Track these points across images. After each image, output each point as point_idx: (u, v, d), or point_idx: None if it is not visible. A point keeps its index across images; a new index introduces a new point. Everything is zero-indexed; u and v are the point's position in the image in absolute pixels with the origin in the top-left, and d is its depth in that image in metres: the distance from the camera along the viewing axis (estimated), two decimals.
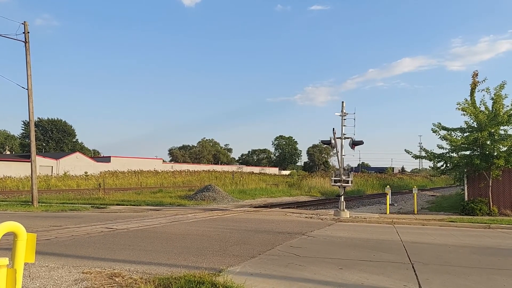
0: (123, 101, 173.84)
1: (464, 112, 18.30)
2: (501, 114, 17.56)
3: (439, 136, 18.84)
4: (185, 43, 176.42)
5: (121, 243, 9.27)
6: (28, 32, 21.08)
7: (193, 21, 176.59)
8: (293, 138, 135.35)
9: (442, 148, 19.04)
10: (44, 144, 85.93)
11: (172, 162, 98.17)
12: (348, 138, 17.45)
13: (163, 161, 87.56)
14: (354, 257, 8.06)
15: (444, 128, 19.00)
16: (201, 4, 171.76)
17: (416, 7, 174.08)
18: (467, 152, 18.89)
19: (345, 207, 17.43)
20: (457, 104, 18.35)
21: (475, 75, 18.81)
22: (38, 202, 21.17)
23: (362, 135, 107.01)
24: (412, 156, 20.91)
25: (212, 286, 5.33)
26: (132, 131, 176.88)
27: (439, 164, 20.01)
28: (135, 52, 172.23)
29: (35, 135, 23.17)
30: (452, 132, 18.86)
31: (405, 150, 20.89)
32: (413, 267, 7.18)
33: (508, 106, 18.03)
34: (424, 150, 20.35)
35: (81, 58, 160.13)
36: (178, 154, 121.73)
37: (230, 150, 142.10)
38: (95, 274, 6.07)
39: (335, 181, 17.27)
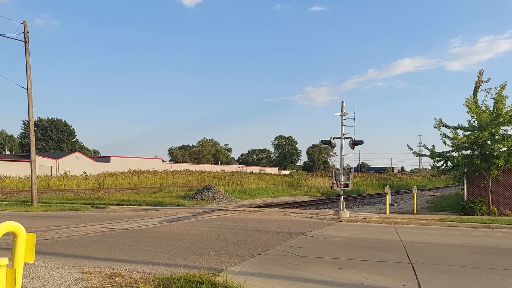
0: (123, 101, 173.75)
1: (468, 110, 18.30)
2: (503, 113, 17.52)
3: (441, 134, 18.85)
4: (185, 43, 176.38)
5: (121, 243, 9.27)
6: (28, 32, 21.02)
7: (193, 21, 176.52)
8: (293, 138, 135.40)
9: (445, 143, 19.00)
10: (44, 144, 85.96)
11: (172, 162, 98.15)
12: (348, 138, 17.46)
13: (163, 161, 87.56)
14: (354, 257, 8.06)
15: (446, 126, 19.00)
16: (201, 5, 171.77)
17: (416, 8, 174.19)
18: (467, 152, 18.88)
19: (345, 207, 17.43)
20: (465, 100, 18.38)
21: (481, 74, 18.73)
22: (38, 202, 21.14)
23: (362, 135, 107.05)
24: (413, 153, 21.06)
25: (211, 286, 5.33)
26: (132, 131, 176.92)
27: (439, 164, 20.01)
28: (135, 52, 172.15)
29: (35, 135, 23.15)
30: (454, 130, 18.86)
31: (407, 146, 21.05)
32: (412, 267, 7.18)
33: (509, 106, 18.00)
34: (425, 147, 20.35)
35: (80, 57, 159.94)
36: (178, 154, 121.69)
37: (230, 150, 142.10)
38: (95, 274, 6.07)
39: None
